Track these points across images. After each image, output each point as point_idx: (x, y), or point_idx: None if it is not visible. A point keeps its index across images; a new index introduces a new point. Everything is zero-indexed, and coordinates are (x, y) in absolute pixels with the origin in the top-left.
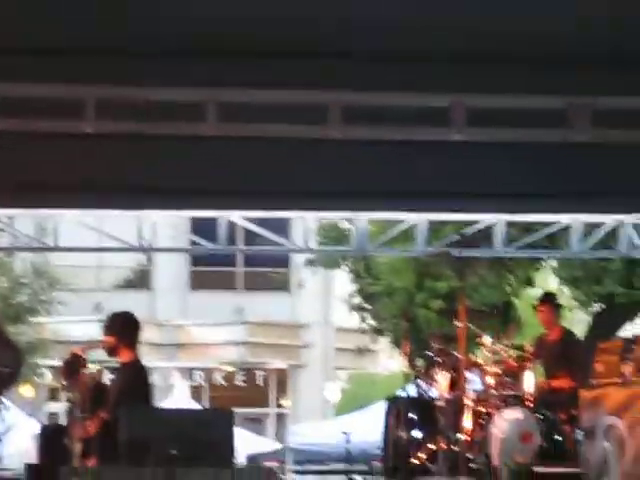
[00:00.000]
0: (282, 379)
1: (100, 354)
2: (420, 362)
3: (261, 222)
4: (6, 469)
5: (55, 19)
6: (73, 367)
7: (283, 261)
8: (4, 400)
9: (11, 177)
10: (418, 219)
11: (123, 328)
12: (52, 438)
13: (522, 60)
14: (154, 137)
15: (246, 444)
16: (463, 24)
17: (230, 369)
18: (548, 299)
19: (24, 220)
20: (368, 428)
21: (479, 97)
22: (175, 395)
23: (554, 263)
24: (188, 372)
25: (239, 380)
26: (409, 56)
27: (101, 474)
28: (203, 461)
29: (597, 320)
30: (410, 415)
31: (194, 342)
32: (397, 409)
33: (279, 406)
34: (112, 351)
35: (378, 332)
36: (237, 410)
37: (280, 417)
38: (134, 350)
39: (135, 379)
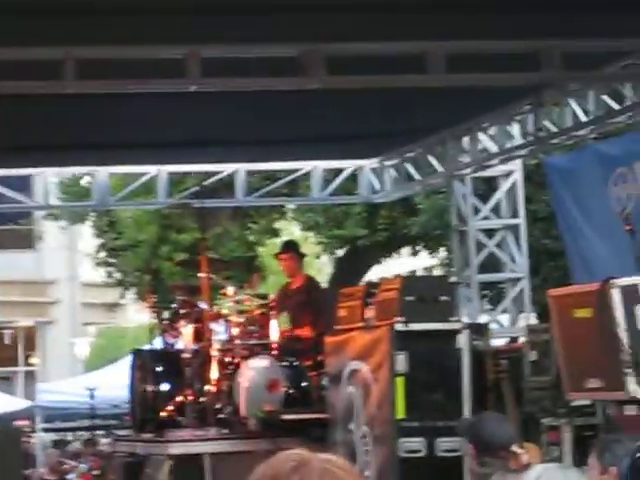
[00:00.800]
0: (30, 337)
1: None
2: (166, 314)
3: (1, 180)
4: None
5: None
6: None
7: (26, 218)
8: None
9: None
10: (159, 171)
11: None
12: None
13: (254, 9)
14: None
15: None
16: None
17: None
18: (289, 247)
19: None
20: (117, 383)
21: (214, 48)
22: None
23: (294, 211)
24: None
25: None
26: (148, 9)
27: None
28: None
29: (340, 265)
30: (156, 368)
31: None
32: (142, 362)
33: (28, 364)
34: None
35: (124, 286)
36: None
37: (29, 375)
38: None
39: None
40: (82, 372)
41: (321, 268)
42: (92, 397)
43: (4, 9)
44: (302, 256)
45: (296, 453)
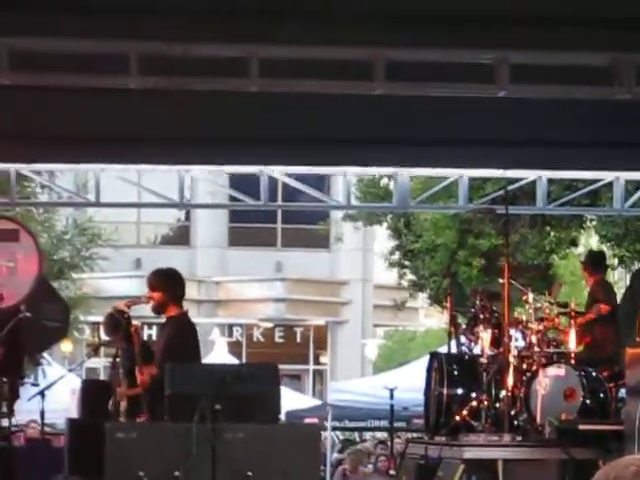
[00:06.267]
0: (321, 336)
1: (141, 310)
2: (461, 319)
3: (301, 178)
4: (48, 424)
5: None
6: (117, 323)
7: (322, 217)
8: (45, 355)
9: (51, 132)
10: (460, 176)
11: (170, 284)
12: (94, 394)
13: (567, 18)
14: (196, 92)
15: (285, 400)
16: None
17: (269, 325)
18: (592, 258)
19: (65, 176)
20: (409, 385)
21: (524, 53)
22: (215, 351)
23: (594, 221)
24: (227, 328)
25: (277, 336)
26: (443, 15)
27: (146, 430)
28: (248, 417)
29: (637, 278)
30: (453, 371)
31: (233, 298)
32: (439, 365)
33: (318, 363)
34: (160, 307)
35: (417, 289)
36: None
37: (318, 374)
38: (180, 305)
39: (183, 334)
40: (371, 373)
41: (616, 281)
42: (392, 397)
43: None
44: (603, 267)
45: (638, 458)
